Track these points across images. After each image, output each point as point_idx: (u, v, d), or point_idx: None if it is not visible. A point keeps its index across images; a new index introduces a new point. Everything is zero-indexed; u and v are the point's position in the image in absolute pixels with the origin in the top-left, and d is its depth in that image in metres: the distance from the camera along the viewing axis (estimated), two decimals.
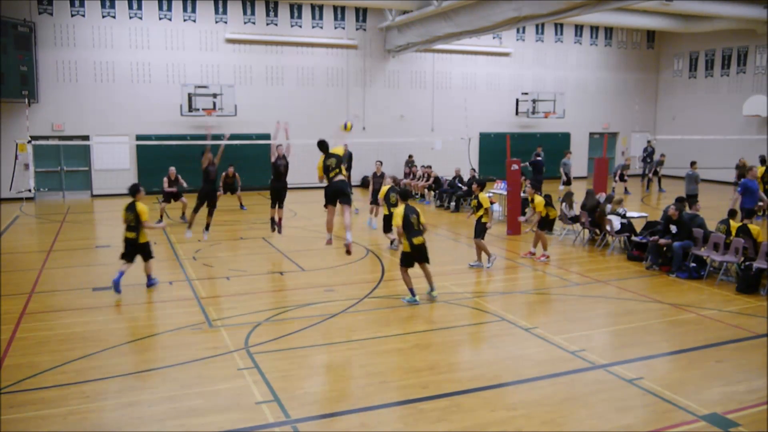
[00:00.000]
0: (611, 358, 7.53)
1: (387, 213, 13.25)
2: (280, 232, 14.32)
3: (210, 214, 13.91)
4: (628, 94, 30.64)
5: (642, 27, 27.53)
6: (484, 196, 11.87)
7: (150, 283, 10.71)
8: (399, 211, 9.62)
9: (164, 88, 22.89)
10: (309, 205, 19.62)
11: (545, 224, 13.32)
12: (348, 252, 10.55)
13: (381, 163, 19.14)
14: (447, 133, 25.77)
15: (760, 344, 8.07)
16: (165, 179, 17.30)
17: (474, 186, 12.47)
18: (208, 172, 13.69)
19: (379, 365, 7.36)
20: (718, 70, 28.27)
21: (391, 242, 13.75)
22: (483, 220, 11.86)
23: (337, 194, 10.48)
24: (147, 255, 10.55)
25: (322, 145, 10.83)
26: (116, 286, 10.12)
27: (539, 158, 21.72)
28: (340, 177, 10.46)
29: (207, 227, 13.97)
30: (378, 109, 26.05)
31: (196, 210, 13.89)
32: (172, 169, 17.43)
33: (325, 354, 7.82)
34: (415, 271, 9.89)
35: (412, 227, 9.54)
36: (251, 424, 5.92)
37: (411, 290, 9.74)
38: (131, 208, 10.32)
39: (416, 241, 9.58)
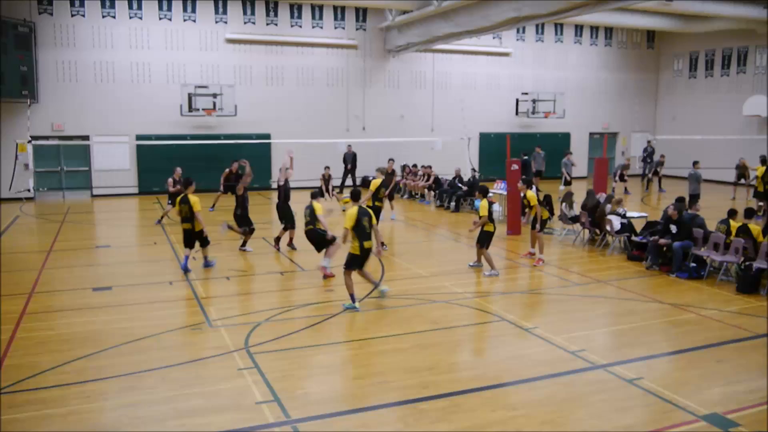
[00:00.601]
0: (611, 358, 7.53)
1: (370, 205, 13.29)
2: (294, 249, 13.70)
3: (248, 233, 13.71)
4: (628, 94, 30.65)
5: (642, 27, 27.54)
6: (483, 204, 11.46)
7: (206, 264, 11.90)
8: (351, 212, 9.21)
9: (164, 88, 22.89)
10: None
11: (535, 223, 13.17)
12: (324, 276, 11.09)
13: (393, 161, 19.34)
14: (447, 133, 25.78)
15: (760, 344, 8.07)
16: (170, 180, 17.07)
17: (476, 193, 12.25)
18: (244, 198, 13.50)
19: (379, 365, 7.37)
20: (718, 70, 28.27)
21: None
22: (485, 228, 11.41)
23: (311, 243, 11.41)
24: (203, 242, 11.77)
25: (312, 195, 11.62)
26: (185, 269, 11.47)
27: (526, 157, 21.90)
28: (307, 228, 11.21)
29: (244, 243, 13.62)
30: (378, 109, 26.04)
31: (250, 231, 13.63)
32: (179, 170, 17.31)
33: (325, 354, 7.82)
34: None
35: (364, 230, 9.22)
36: (251, 424, 5.92)
37: (352, 296, 9.37)
38: (185, 201, 11.42)
39: (367, 245, 9.28)
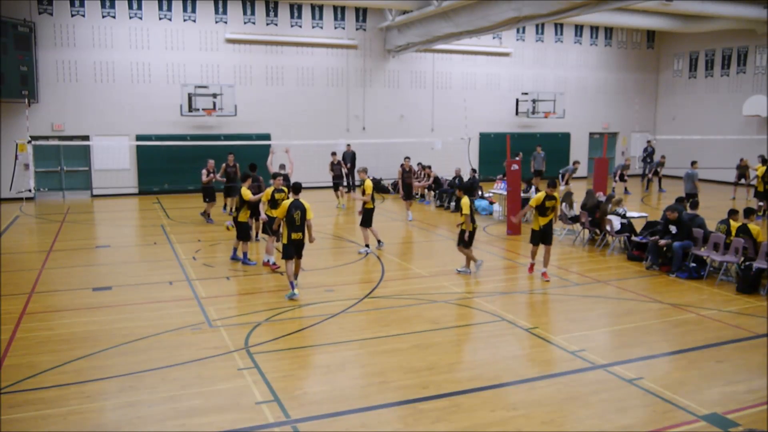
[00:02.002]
0: (611, 358, 7.53)
1: (371, 207, 13.38)
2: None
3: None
4: (628, 94, 30.64)
5: (642, 27, 27.53)
6: (465, 202, 11.21)
7: (240, 258, 12.38)
8: (285, 204, 9.85)
9: (164, 88, 22.89)
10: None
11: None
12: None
13: (409, 158, 19.39)
14: (447, 133, 25.76)
15: (760, 344, 8.07)
16: (204, 171, 16.98)
17: (457, 191, 11.99)
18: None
19: (379, 365, 7.37)
20: (718, 70, 28.27)
21: (378, 242, 13.72)
22: (464, 227, 11.29)
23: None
24: (239, 234, 12.22)
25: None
26: (241, 260, 12.35)
27: (517, 158, 22.06)
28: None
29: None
30: (378, 109, 26.05)
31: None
32: (211, 162, 17.27)
33: (325, 354, 7.82)
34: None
35: (294, 222, 9.79)
36: (251, 424, 5.93)
37: (291, 284, 10.01)
38: (238, 192, 12.51)
39: (294, 236, 9.87)
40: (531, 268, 11.80)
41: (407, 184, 18.16)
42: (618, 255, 13.31)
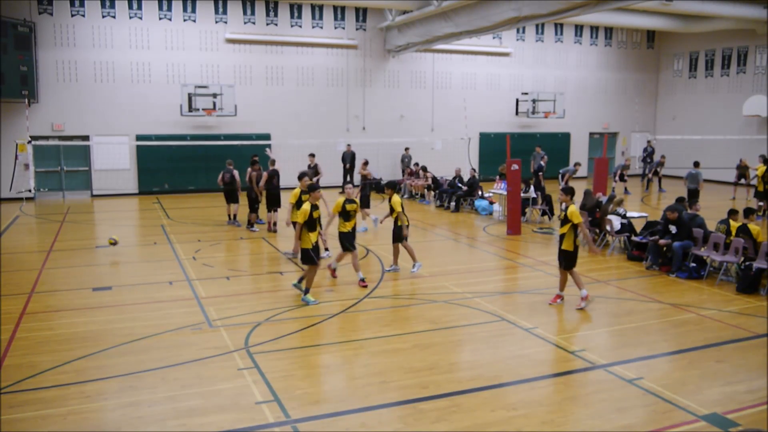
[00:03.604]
0: (611, 358, 7.53)
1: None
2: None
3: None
4: (628, 94, 30.65)
5: (642, 27, 27.54)
6: (395, 200, 11.36)
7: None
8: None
9: (164, 88, 22.89)
10: None
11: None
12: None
13: (367, 163, 19.10)
14: (447, 133, 25.78)
15: (760, 344, 8.07)
16: (254, 175, 15.75)
17: (387, 189, 11.78)
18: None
19: (379, 365, 7.36)
20: (718, 70, 28.27)
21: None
22: (398, 223, 11.43)
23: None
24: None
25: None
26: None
27: (543, 163, 22.09)
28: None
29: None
30: (378, 109, 26.04)
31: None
32: (273, 158, 15.85)
33: (325, 354, 7.82)
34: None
35: (314, 223, 9.82)
36: (251, 424, 5.93)
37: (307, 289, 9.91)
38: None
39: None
40: (555, 298, 9.98)
41: (362, 189, 16.32)
42: (618, 255, 13.31)
